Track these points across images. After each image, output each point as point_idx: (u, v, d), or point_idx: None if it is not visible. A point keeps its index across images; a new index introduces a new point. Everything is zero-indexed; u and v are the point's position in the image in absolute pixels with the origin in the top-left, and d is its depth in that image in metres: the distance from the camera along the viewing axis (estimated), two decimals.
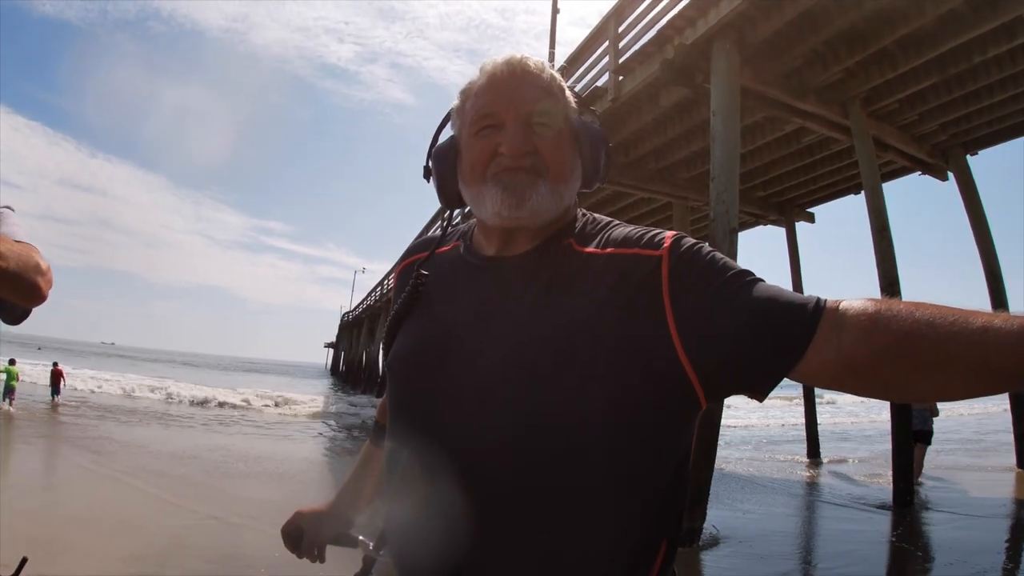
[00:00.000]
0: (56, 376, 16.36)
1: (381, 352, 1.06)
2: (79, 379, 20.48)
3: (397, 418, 0.95)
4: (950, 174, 8.88)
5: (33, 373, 19.29)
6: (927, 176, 9.04)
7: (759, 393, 0.80)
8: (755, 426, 18.87)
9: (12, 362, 14.26)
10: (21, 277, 1.23)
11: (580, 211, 1.00)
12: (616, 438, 0.80)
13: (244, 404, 18.21)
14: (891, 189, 11.04)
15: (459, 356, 0.87)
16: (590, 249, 0.90)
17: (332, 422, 17.10)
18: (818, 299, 0.78)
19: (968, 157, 8.65)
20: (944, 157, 8.62)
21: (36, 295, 1.29)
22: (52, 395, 16.04)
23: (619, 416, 0.80)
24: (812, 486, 9.63)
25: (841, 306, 0.76)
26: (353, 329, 48.58)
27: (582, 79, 8.52)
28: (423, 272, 1.00)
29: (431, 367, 0.90)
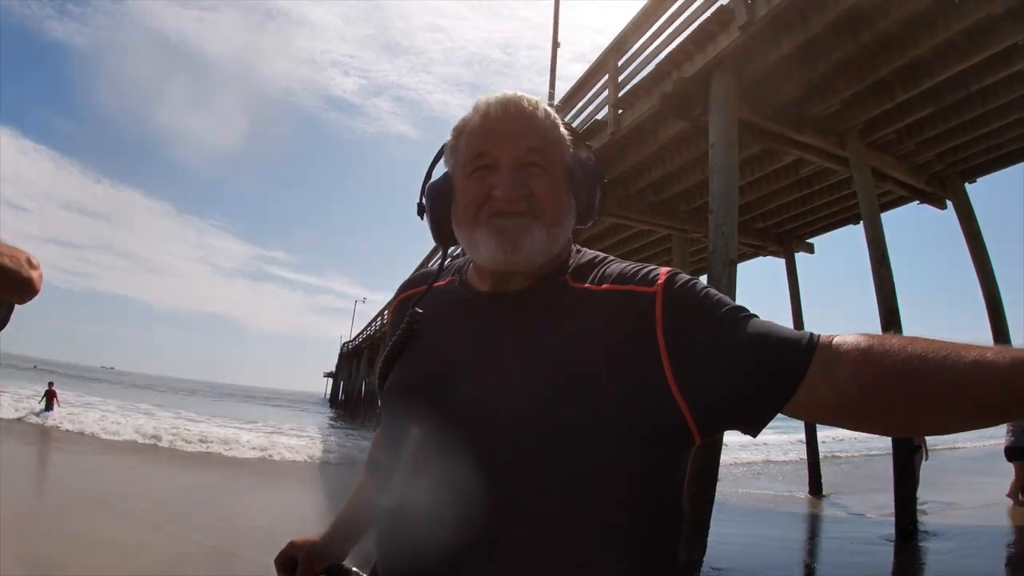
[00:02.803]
0: (51, 396, 17.19)
1: (377, 386, 1.05)
2: (79, 406, 20.05)
3: (391, 452, 0.95)
4: (948, 202, 8.87)
5: (22, 393, 19.49)
6: (926, 205, 9.07)
7: (752, 429, 0.81)
8: (756, 461, 18.64)
9: None
10: (17, 273, 1.27)
11: (575, 247, 1.01)
12: (608, 473, 0.81)
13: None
14: (890, 218, 11.08)
15: (454, 393, 0.87)
16: (585, 285, 0.91)
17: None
18: (811, 335, 0.79)
19: (966, 185, 8.66)
20: (942, 186, 8.63)
21: (30, 290, 1.33)
22: (46, 409, 16.70)
23: (610, 451, 0.80)
24: (815, 518, 9.60)
25: (834, 341, 0.77)
26: (353, 359, 48.86)
27: (582, 112, 8.60)
28: (418, 310, 1.00)
29: (425, 403, 0.89)
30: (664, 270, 0.88)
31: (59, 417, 16.22)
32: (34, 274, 1.32)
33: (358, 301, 63.63)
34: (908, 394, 0.71)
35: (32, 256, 1.32)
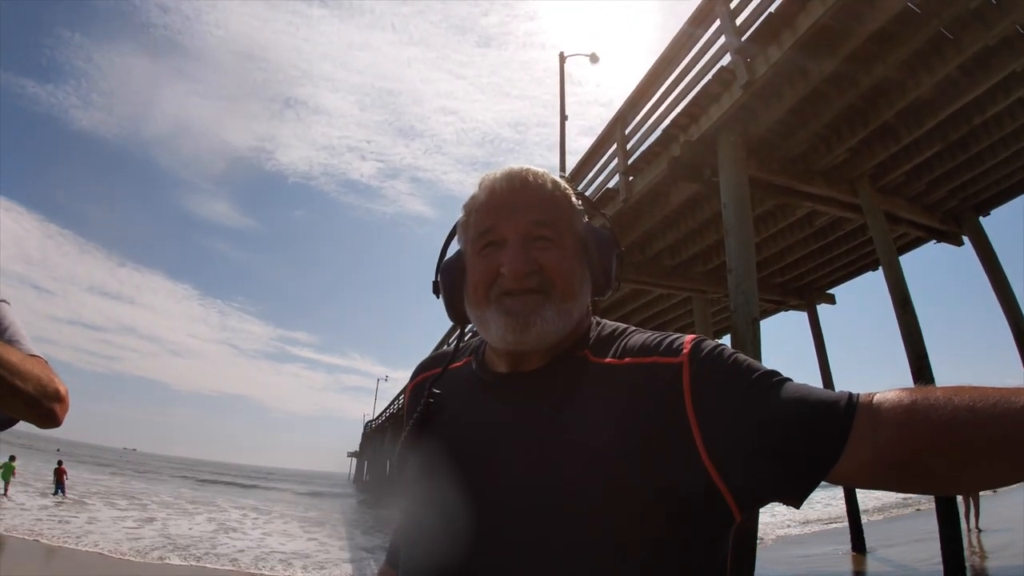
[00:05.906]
0: (60, 474, 18.18)
1: (395, 472, 1.02)
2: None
3: (410, 541, 0.93)
4: (965, 238, 8.87)
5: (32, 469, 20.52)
6: (943, 243, 9.06)
7: (795, 500, 0.76)
8: (797, 537, 17.79)
9: (12, 459, 16.21)
10: (40, 404, 1.21)
11: (594, 319, 0.98)
12: (646, 561, 0.76)
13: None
14: (909, 260, 11.06)
15: (476, 477, 0.84)
16: (607, 360, 0.87)
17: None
18: (850, 395, 0.75)
19: (980, 219, 8.66)
20: (957, 222, 8.64)
21: (51, 421, 1.26)
22: (56, 491, 17.75)
23: (647, 536, 0.76)
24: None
25: (875, 400, 0.73)
26: (376, 437, 48.47)
27: (593, 182, 8.79)
28: (435, 391, 0.97)
29: (444, 491, 0.86)
30: (689, 338, 0.85)
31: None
32: (57, 407, 1.26)
33: (380, 379, 65.84)
34: (959, 452, 0.66)
35: (61, 386, 1.27)
